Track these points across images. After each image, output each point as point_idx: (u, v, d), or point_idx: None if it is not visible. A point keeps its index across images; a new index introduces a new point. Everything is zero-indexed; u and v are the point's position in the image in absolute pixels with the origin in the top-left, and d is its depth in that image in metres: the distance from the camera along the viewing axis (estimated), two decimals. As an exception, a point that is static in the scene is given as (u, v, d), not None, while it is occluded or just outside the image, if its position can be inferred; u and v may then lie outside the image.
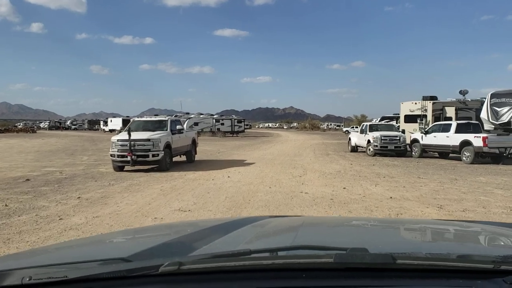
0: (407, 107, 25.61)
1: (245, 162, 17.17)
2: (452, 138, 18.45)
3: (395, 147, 21.06)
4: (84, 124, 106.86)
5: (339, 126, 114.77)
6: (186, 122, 52.67)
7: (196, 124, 51.99)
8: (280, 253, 1.27)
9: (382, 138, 20.99)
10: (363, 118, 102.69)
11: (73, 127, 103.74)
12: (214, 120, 53.95)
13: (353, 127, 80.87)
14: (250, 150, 25.69)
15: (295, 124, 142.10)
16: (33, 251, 2.14)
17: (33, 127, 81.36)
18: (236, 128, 55.95)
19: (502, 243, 1.77)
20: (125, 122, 77.12)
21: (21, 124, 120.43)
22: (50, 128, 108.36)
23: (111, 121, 78.38)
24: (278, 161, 17.36)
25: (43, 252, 1.75)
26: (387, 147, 21.00)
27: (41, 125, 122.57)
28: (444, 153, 20.39)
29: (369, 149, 21.49)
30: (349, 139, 25.29)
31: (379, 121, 55.76)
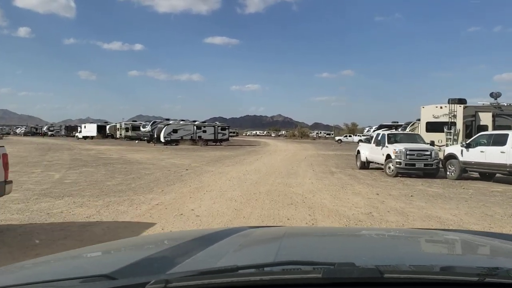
0: (430, 113, 20.31)
1: (214, 190, 11.53)
2: (510, 155, 13.13)
3: (424, 165, 15.62)
4: (61, 130, 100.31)
5: (329, 134, 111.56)
6: (164, 129, 47.24)
7: (175, 131, 46.31)
8: (266, 269, 1.24)
9: (408, 152, 15.54)
10: (354, 127, 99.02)
11: (49, 133, 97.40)
12: (195, 127, 48.09)
13: (346, 136, 76.78)
14: (230, 164, 20.02)
15: (283, 132, 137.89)
16: (8, 268, 1.75)
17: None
18: (220, 136, 50.03)
19: (484, 253, 1.84)
20: (100, 128, 71.36)
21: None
22: (26, 134, 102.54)
23: (84, 127, 72.04)
24: (266, 188, 11.73)
25: (19, 269, 1.65)
26: (414, 164, 15.57)
27: (17, 131, 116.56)
28: (488, 174, 15.08)
29: (389, 167, 16.02)
30: (358, 152, 19.73)
31: (377, 129, 51.02)
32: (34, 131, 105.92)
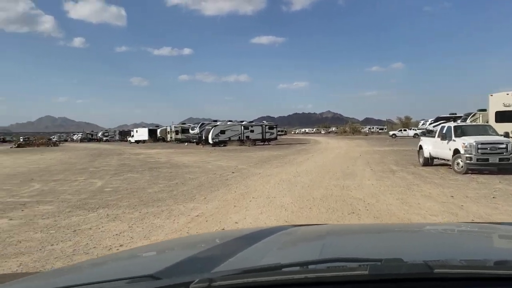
0: (499, 101, 18.16)
1: (261, 195, 10.39)
2: None
3: (499, 159, 13.65)
4: (115, 135, 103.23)
5: (382, 129, 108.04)
6: (211, 131, 46.83)
7: (222, 132, 45.71)
8: (311, 267, 1.22)
9: (480, 146, 13.64)
10: (408, 120, 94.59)
11: (104, 138, 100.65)
12: (242, 127, 47.27)
13: (400, 130, 73.10)
14: (279, 165, 18.82)
15: (333, 129, 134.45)
16: (56, 271, 2.05)
17: (51, 139, 77.57)
18: (268, 135, 48.85)
19: None
20: (151, 132, 72.49)
21: (55, 136, 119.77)
22: (82, 140, 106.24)
23: (136, 131, 73.43)
24: (320, 192, 10.43)
25: (66, 272, 1.75)
26: (487, 160, 13.63)
27: (74, 137, 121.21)
28: None
29: (458, 163, 14.17)
30: (420, 147, 17.87)
31: (433, 122, 47.87)
32: (90, 137, 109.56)
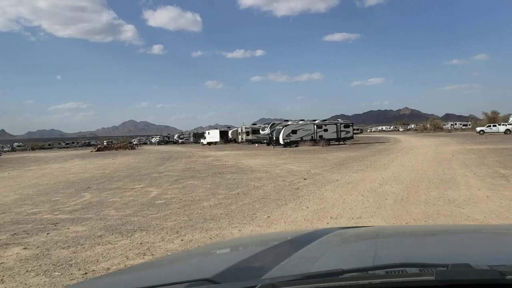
0: None
1: (341, 214, 8.06)
2: None
3: None
4: (190, 137, 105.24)
5: (465, 125, 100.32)
6: (282, 131, 44.75)
7: (294, 132, 43.50)
8: (371, 272, 1.16)
9: None
10: (495, 115, 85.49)
11: (180, 141, 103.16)
12: (315, 126, 44.58)
13: (489, 126, 65.54)
14: (359, 169, 16.19)
15: (412, 126, 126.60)
16: (115, 273, 2.06)
17: (131, 143, 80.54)
18: (343, 134, 45.54)
19: None
20: (223, 134, 72.04)
21: (136, 140, 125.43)
22: (159, 143, 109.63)
23: (208, 133, 73.38)
24: (420, 209, 7.85)
25: (126, 274, 1.72)
26: None
27: (152, 140, 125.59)
28: None
29: None
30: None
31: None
32: (167, 140, 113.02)
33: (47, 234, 7.18)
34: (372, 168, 16.42)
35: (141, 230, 7.13)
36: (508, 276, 0.98)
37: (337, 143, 44.30)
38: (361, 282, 1.03)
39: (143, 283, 1.30)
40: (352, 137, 46.87)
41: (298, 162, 21.57)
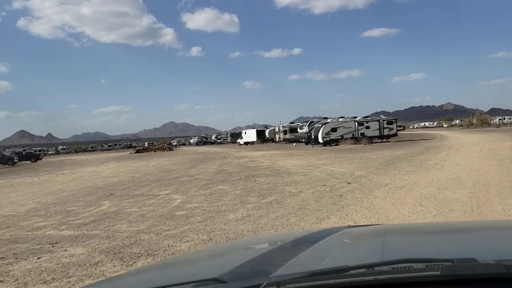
0: None
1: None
2: None
3: None
4: (227, 137, 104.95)
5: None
6: (321, 129, 42.82)
7: (333, 130, 41.49)
8: (377, 268, 1.14)
9: None
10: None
11: (218, 141, 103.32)
12: (356, 123, 42.29)
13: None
14: (410, 170, 14.22)
15: (457, 122, 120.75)
16: (123, 275, 1.99)
17: (170, 145, 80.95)
18: (386, 132, 42.91)
19: None
20: (260, 133, 70.66)
21: (175, 141, 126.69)
22: (197, 143, 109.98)
23: (245, 133, 72.21)
24: None
25: (132, 276, 1.71)
26: None
27: (191, 141, 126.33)
28: None
29: None
30: None
31: None
32: (205, 140, 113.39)
33: (38, 258, 5.97)
34: (424, 169, 14.48)
35: (148, 255, 5.78)
36: None
37: (380, 140, 41.81)
38: (367, 278, 1.03)
39: (151, 284, 1.29)
40: (396, 134, 44.25)
41: (340, 162, 19.79)
